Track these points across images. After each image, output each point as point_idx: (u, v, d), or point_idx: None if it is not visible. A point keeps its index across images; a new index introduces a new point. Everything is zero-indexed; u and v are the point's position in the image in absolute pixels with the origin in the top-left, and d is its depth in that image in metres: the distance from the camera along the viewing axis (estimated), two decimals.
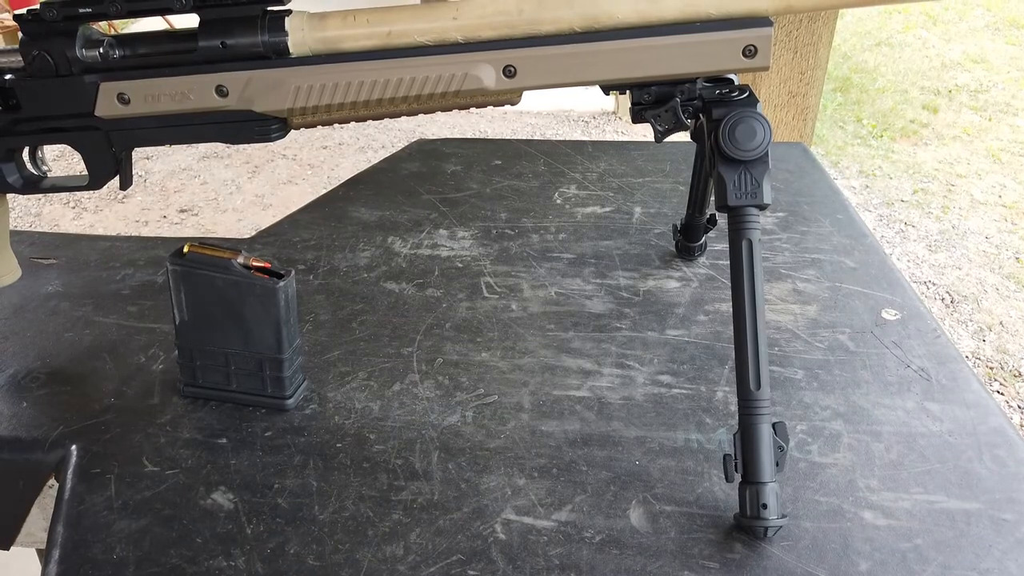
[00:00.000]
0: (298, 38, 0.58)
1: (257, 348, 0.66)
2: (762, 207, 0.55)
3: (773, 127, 0.67)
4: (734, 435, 0.55)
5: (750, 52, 0.55)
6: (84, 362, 0.74)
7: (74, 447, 0.64)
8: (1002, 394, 2.17)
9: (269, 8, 0.58)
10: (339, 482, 0.61)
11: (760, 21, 0.55)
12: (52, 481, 0.64)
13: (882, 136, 3.69)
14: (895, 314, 0.79)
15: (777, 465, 0.54)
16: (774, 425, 0.55)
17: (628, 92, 0.59)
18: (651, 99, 0.58)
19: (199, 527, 0.57)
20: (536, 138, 2.98)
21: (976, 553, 0.54)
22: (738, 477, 0.55)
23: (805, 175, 1.08)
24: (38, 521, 0.65)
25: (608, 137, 3.57)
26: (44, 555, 0.56)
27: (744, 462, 0.54)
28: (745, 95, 0.57)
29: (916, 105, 3.98)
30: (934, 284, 2.63)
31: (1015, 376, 2.23)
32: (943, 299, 2.55)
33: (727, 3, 0.54)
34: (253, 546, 0.55)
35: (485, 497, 0.59)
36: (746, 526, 0.55)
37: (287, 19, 0.58)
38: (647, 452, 0.63)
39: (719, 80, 0.59)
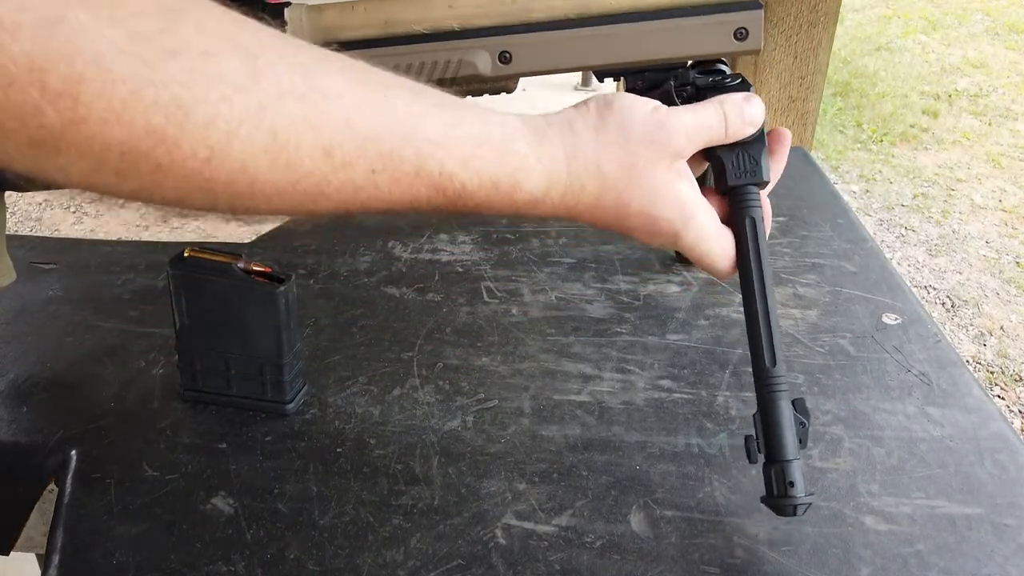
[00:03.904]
0: (296, 28, 0.59)
1: (257, 353, 0.66)
2: (761, 184, 0.55)
3: None
4: (754, 415, 0.53)
5: (741, 35, 0.56)
6: (84, 367, 0.74)
7: (74, 452, 0.64)
8: (1003, 399, 2.17)
9: (268, 0, 0.59)
10: (339, 487, 0.60)
11: (750, 4, 0.55)
12: (52, 486, 0.64)
13: (882, 141, 3.69)
14: (896, 319, 0.79)
15: (800, 442, 0.52)
16: (793, 402, 0.53)
17: (622, 79, 0.60)
18: (644, 85, 0.59)
19: (199, 532, 0.57)
20: None
21: (977, 558, 0.54)
22: (761, 458, 0.53)
23: (805, 180, 1.08)
24: (38, 526, 0.65)
25: None
26: (43, 560, 0.56)
27: (767, 441, 0.52)
28: (738, 82, 0.58)
29: (916, 110, 3.99)
30: (935, 288, 2.63)
31: (1016, 380, 2.23)
32: (944, 304, 2.55)
33: None
34: (253, 551, 0.55)
35: (485, 502, 0.59)
36: (775, 506, 0.53)
37: (286, 11, 0.59)
38: (648, 457, 0.63)
39: (712, 70, 0.59)
